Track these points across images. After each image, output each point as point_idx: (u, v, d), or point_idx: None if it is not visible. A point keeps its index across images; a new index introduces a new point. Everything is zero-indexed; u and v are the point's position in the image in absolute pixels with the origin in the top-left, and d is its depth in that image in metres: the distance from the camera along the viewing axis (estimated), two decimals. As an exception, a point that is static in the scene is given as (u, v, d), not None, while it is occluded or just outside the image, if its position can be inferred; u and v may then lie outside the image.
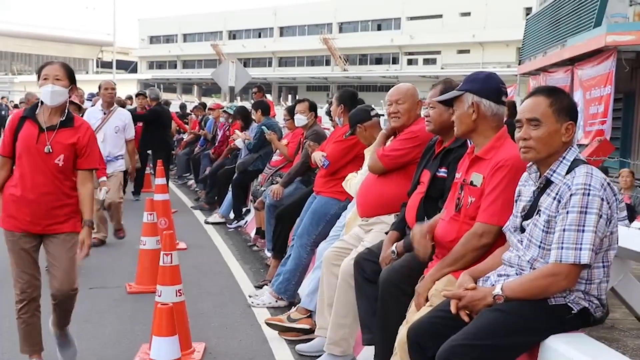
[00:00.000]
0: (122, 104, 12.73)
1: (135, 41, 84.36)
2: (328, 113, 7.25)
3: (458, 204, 3.46)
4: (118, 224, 8.45)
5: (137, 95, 13.19)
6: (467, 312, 2.96)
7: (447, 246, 3.45)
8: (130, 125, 8.81)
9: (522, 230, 3.04)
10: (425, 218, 3.86)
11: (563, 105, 2.97)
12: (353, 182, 5.34)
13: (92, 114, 8.56)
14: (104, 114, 8.63)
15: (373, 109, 5.50)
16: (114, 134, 8.50)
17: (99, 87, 8.97)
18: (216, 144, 12.57)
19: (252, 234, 8.88)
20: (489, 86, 3.49)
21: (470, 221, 3.36)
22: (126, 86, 40.99)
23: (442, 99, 3.62)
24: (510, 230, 3.12)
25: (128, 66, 78.76)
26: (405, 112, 4.67)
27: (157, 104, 12.73)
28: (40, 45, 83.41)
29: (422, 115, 4.81)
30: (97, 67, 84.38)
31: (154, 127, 12.12)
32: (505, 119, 3.61)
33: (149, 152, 12.66)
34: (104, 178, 7.62)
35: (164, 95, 18.30)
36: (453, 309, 2.97)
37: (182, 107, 21.00)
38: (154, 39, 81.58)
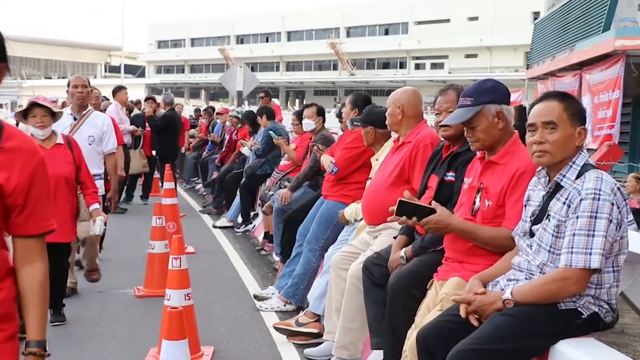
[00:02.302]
0: (131, 109, 12.80)
1: (144, 46, 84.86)
2: (339, 115, 7.24)
3: (474, 208, 3.46)
4: (92, 264, 6.35)
5: (147, 99, 13.24)
6: (476, 316, 2.96)
7: (462, 250, 3.45)
8: (111, 134, 6.72)
9: (532, 234, 3.03)
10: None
11: (576, 109, 2.98)
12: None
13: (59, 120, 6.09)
14: (74, 119, 6.52)
15: None
16: (87, 146, 6.29)
17: (68, 84, 6.68)
18: (223, 150, 12.61)
19: (260, 238, 8.90)
20: (503, 90, 3.53)
21: (488, 223, 3.37)
22: (134, 90, 41.11)
23: (464, 119, 3.45)
24: (520, 235, 3.11)
25: (136, 70, 79.09)
26: (388, 116, 4.83)
27: (170, 109, 12.78)
28: (49, 49, 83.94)
29: (424, 119, 4.88)
30: (106, 71, 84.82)
31: (164, 132, 12.17)
32: (513, 123, 3.61)
33: (157, 156, 12.68)
34: (97, 205, 5.57)
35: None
36: (462, 314, 2.97)
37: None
38: (161, 44, 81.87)
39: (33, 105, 5.28)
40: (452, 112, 3.97)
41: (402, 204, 3.40)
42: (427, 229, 3.50)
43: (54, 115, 5.35)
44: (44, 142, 5.24)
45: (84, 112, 6.60)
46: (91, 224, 5.55)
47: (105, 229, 6.11)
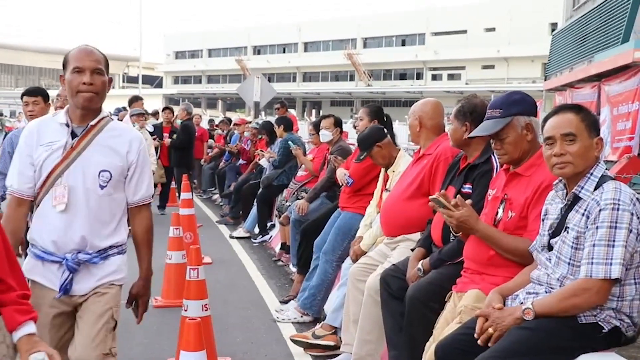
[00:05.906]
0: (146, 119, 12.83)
1: (161, 56, 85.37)
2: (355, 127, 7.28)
3: (496, 219, 3.44)
4: None
5: (164, 109, 13.31)
6: (491, 331, 2.93)
7: (482, 261, 3.43)
8: (144, 167, 3.31)
9: (550, 248, 3.02)
10: (451, 234, 3.85)
11: (591, 120, 2.99)
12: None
13: (44, 131, 3.17)
14: (72, 136, 3.14)
15: (383, 127, 5.53)
16: (97, 190, 3.14)
17: (64, 65, 3.16)
18: (243, 161, 12.70)
19: (277, 249, 8.89)
20: (531, 102, 3.53)
21: (510, 234, 3.35)
22: (152, 101, 41.35)
23: (494, 131, 3.43)
24: (538, 250, 3.10)
25: (154, 81, 79.62)
26: (408, 127, 4.89)
27: (187, 119, 12.86)
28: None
29: (446, 131, 4.90)
30: (123, 82, 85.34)
31: (182, 142, 12.24)
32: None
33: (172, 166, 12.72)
34: (31, 326, 2.38)
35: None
36: (478, 329, 2.95)
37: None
38: (179, 54, 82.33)
39: None
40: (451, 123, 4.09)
41: (434, 201, 3.48)
42: (451, 223, 3.47)
43: None
44: None
45: (93, 123, 3.16)
46: None
47: None
